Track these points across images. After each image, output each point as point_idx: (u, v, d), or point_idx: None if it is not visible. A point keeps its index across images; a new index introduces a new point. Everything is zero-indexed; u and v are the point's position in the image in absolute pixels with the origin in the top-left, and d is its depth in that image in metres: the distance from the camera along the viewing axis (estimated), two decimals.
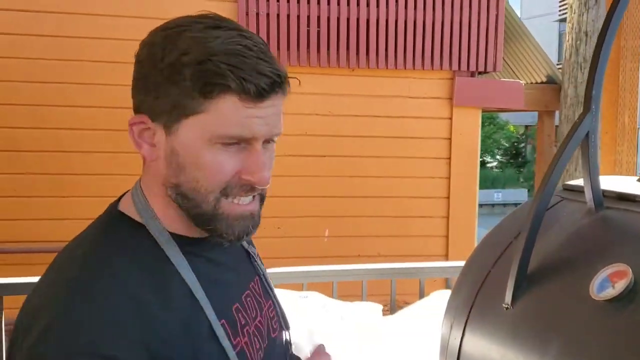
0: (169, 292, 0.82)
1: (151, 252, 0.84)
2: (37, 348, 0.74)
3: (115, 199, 0.94)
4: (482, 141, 18.60)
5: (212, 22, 0.82)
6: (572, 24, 5.88)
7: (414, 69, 4.36)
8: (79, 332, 0.74)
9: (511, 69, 5.81)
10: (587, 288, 1.18)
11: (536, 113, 7.73)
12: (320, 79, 4.30)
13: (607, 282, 1.15)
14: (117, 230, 0.86)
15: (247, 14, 4.14)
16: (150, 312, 0.79)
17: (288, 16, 4.19)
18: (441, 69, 4.39)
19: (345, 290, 2.69)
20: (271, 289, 1.05)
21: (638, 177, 1.62)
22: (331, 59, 4.25)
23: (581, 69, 5.05)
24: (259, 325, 0.96)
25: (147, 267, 0.82)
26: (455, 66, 4.40)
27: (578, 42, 4.79)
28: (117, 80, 3.97)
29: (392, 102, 4.47)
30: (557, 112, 6.72)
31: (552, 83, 6.58)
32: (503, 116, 22.91)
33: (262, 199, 0.89)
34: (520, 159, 24.10)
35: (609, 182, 1.61)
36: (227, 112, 0.79)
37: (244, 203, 0.85)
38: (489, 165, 23.46)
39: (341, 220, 4.45)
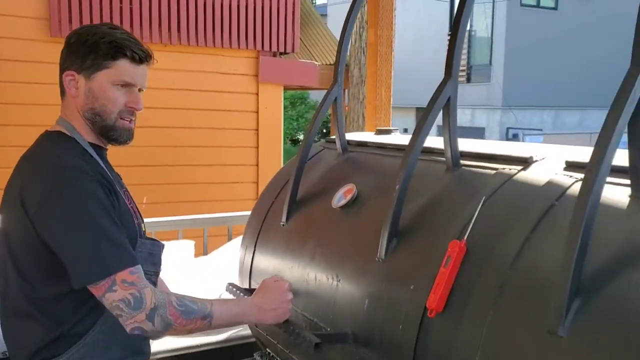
0: (101, 169, 1.50)
1: (81, 150, 1.51)
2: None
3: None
4: (295, 120, 19.34)
5: (111, 26, 1.56)
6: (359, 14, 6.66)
7: (222, 47, 4.75)
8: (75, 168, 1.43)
9: (309, 51, 6.48)
10: (330, 202, 1.73)
11: None
12: None
13: (342, 197, 1.70)
14: (60, 139, 1.51)
15: None
16: (100, 172, 1.48)
17: None
18: (247, 48, 4.85)
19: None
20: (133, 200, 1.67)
21: (375, 132, 2.25)
22: (144, 34, 4.45)
23: (364, 53, 5.88)
24: (134, 208, 1.61)
25: (85, 157, 1.49)
26: (259, 46, 4.87)
27: (361, 29, 5.60)
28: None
29: (204, 77, 4.81)
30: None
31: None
32: (313, 97, 24.13)
33: (134, 122, 1.59)
34: (329, 135, 25.67)
35: (356, 135, 2.20)
36: (123, 68, 1.51)
37: (129, 122, 1.56)
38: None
39: (158, 188, 4.71)
